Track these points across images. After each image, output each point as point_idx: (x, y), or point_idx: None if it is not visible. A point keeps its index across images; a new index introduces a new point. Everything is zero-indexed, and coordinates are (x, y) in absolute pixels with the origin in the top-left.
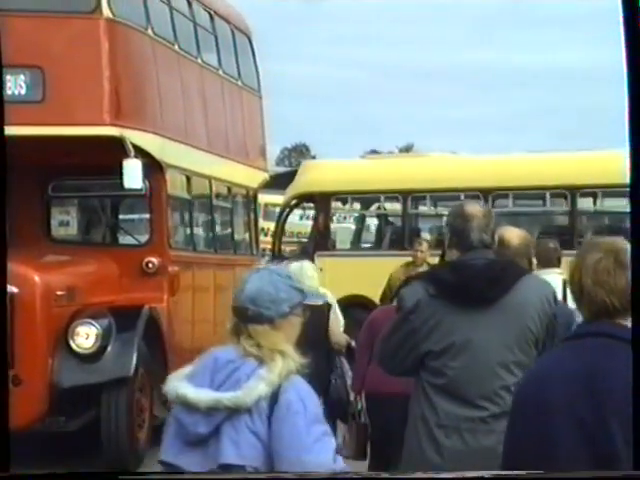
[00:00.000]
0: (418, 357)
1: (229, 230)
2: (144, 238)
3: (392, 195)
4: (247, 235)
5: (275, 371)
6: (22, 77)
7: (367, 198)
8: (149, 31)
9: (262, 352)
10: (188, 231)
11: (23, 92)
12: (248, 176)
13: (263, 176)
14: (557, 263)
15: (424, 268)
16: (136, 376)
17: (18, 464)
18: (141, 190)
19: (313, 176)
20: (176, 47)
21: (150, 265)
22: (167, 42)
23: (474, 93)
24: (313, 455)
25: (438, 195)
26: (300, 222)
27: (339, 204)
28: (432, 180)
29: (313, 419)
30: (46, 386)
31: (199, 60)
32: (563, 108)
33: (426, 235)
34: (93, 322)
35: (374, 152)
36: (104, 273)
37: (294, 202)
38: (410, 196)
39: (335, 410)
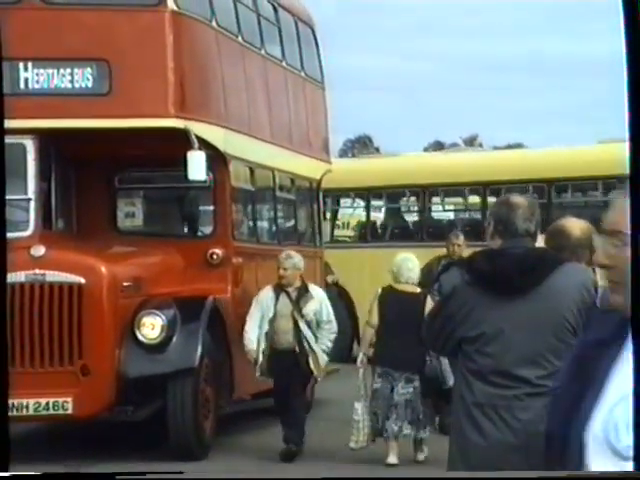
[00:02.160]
0: (455, 341)
1: (293, 222)
2: (208, 230)
3: (359, 193)
4: (311, 226)
5: None
6: (89, 70)
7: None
8: (213, 23)
9: None
10: (252, 223)
11: (90, 85)
12: (311, 168)
13: (326, 167)
14: None
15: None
16: (201, 366)
17: (85, 453)
18: (205, 182)
19: None
20: (240, 39)
21: (214, 256)
22: (231, 34)
23: (540, 83)
24: None
25: (391, 192)
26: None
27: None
28: (385, 179)
29: None
30: (113, 376)
31: (263, 52)
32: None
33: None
34: (159, 313)
35: (438, 144)
36: (169, 264)
37: None
38: (370, 194)
39: (430, 387)
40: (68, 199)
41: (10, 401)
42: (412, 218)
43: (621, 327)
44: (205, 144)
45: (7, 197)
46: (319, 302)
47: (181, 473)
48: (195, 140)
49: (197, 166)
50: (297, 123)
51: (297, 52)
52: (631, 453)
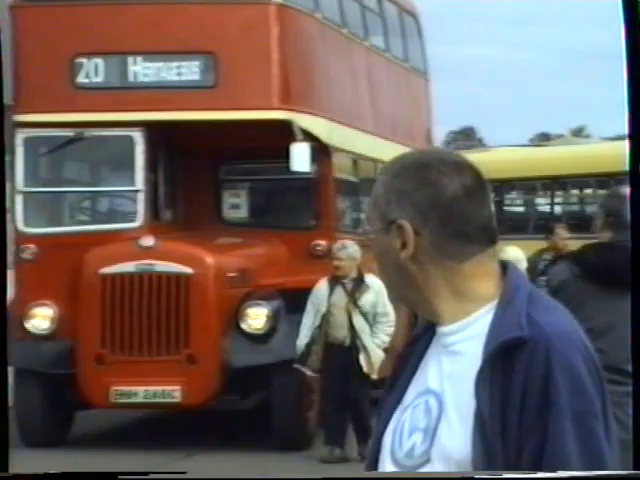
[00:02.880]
0: None
1: None
2: (312, 221)
3: None
4: None
5: None
6: (196, 63)
7: None
8: (318, 15)
9: None
10: (355, 214)
11: (196, 78)
12: None
13: None
14: None
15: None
16: None
17: (193, 441)
18: (309, 173)
19: None
20: (344, 30)
21: (318, 248)
22: (335, 26)
23: None
24: None
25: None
26: None
27: None
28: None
29: None
30: (219, 365)
31: (366, 43)
32: None
33: None
34: (263, 303)
35: (543, 135)
36: (274, 256)
37: None
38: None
39: None
40: (175, 190)
41: (121, 388)
42: (516, 211)
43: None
44: (309, 135)
45: (116, 188)
46: (375, 293)
47: (184, 473)
48: (299, 132)
49: (301, 158)
50: (400, 114)
51: (401, 43)
52: (408, 462)
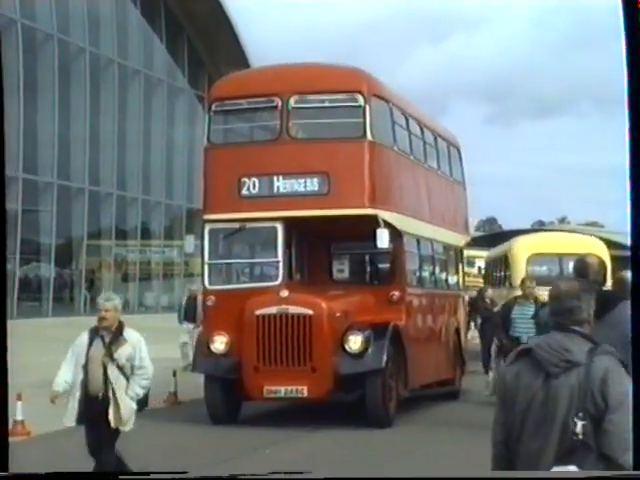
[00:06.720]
0: None
1: (444, 274)
2: (390, 279)
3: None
4: (456, 277)
5: None
6: (315, 180)
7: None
8: (395, 147)
9: None
10: (418, 274)
11: (315, 189)
12: (456, 238)
13: (466, 239)
14: None
15: (531, 300)
16: (387, 367)
17: (315, 420)
18: (388, 249)
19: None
20: (411, 157)
21: (394, 297)
22: (405, 154)
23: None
24: None
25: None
26: None
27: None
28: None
29: None
30: (331, 373)
31: (425, 165)
32: None
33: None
34: (359, 332)
35: (540, 222)
36: (365, 302)
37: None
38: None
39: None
40: (302, 260)
41: (270, 387)
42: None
43: None
44: (388, 224)
45: (265, 260)
46: (132, 346)
47: (185, 473)
48: (382, 222)
49: (383, 238)
50: (447, 209)
51: (447, 164)
52: None
